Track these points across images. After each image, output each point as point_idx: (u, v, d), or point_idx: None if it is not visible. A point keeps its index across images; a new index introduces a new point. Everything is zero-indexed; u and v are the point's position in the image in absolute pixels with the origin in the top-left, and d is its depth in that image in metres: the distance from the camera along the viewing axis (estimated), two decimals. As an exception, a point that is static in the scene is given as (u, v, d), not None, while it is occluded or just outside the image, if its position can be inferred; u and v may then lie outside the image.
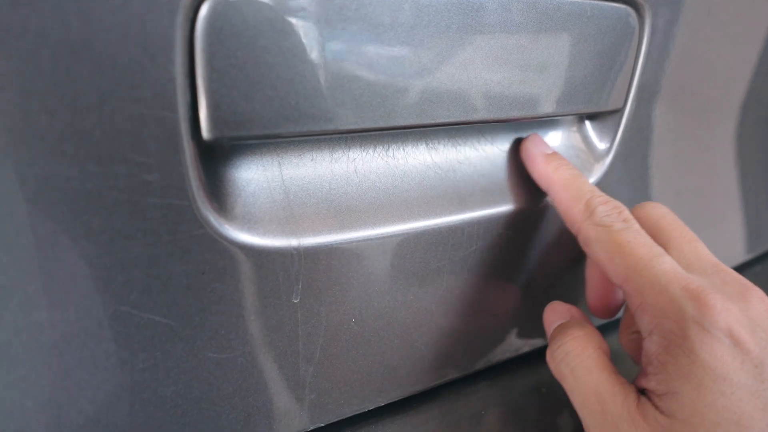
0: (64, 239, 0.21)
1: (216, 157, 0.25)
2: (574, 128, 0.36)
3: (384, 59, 0.25)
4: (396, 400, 0.33)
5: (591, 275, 0.34)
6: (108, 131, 0.20)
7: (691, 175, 0.45)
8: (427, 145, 0.31)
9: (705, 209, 0.48)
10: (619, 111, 0.35)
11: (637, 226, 0.29)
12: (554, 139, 0.35)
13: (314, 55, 0.23)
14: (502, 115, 0.30)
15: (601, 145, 0.36)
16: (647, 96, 0.36)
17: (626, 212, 0.30)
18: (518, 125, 0.34)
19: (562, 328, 0.31)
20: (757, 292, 0.27)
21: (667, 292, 0.26)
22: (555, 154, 0.32)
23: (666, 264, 0.27)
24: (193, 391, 0.26)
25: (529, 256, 0.35)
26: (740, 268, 0.56)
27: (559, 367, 0.30)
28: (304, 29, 0.22)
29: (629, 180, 0.39)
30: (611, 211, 0.29)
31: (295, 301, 0.27)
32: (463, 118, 0.29)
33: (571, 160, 0.36)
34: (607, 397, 0.27)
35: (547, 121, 0.35)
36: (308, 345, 0.28)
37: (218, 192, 0.25)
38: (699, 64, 0.39)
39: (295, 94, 0.23)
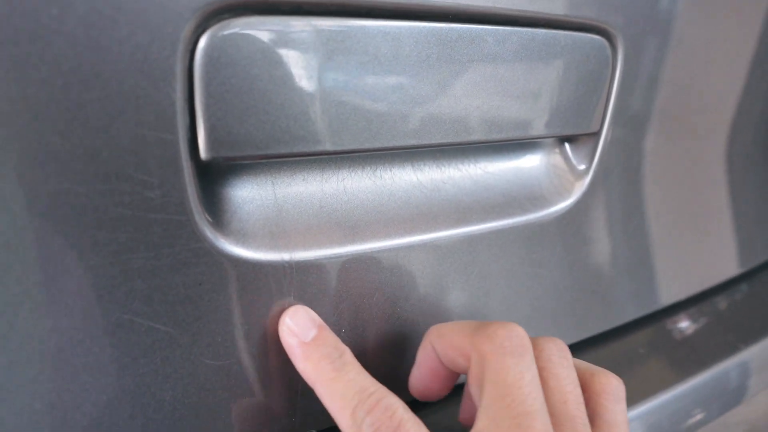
0: (73, 251, 0.23)
1: (213, 175, 0.27)
2: (555, 150, 0.38)
3: (369, 86, 0.27)
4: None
5: (423, 360, 0.31)
6: (114, 151, 0.22)
7: (669, 194, 0.47)
8: (413, 165, 0.33)
9: (683, 227, 0.50)
10: (596, 134, 0.37)
11: (413, 429, 0.25)
12: (535, 159, 0.37)
13: (303, 82, 0.25)
14: (484, 138, 0.32)
15: (580, 165, 0.38)
16: (623, 119, 0.39)
17: (398, 414, 0.26)
18: (500, 146, 0.36)
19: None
20: None
21: None
22: (316, 339, 0.28)
23: None
24: (191, 396, 0.27)
25: (512, 273, 0.37)
26: (723, 286, 0.57)
27: None
28: (294, 59, 0.24)
29: (608, 199, 0.41)
30: (381, 419, 0.25)
31: (287, 312, 0.29)
32: (447, 140, 0.31)
33: (552, 180, 0.38)
34: None
35: (529, 143, 0.37)
36: (300, 354, 0.30)
37: (215, 208, 0.26)
38: (672, 88, 0.41)
39: (285, 118, 0.25)
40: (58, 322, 0.24)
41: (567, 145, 0.38)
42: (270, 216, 0.28)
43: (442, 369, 0.30)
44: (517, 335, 0.27)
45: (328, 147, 0.27)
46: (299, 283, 0.29)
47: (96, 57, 0.21)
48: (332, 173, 0.30)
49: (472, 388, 0.27)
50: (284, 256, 0.28)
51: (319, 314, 0.30)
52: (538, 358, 0.28)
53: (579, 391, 0.28)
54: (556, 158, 0.38)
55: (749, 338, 0.49)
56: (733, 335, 0.49)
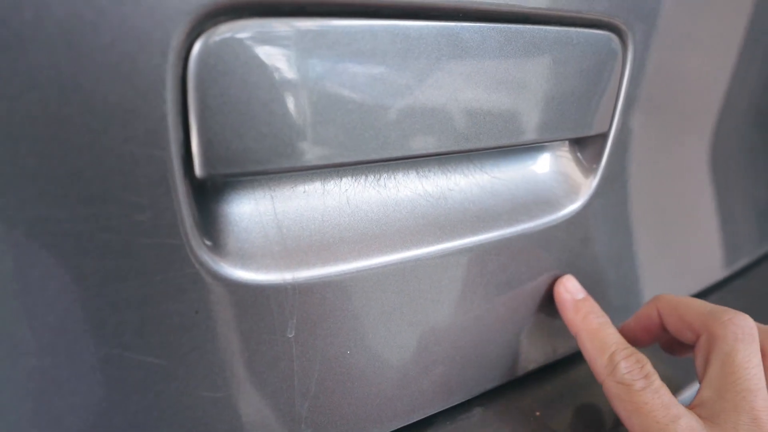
0: (54, 282, 0.21)
1: (208, 193, 0.24)
2: (562, 152, 0.36)
3: (375, 92, 0.25)
4: (392, 430, 0.33)
5: (642, 318, 0.36)
6: (98, 172, 0.20)
7: (677, 193, 0.45)
8: (417, 173, 0.31)
9: (691, 226, 0.49)
10: (605, 134, 0.36)
11: (657, 383, 0.29)
12: (542, 163, 0.36)
13: (306, 90, 0.23)
14: (492, 143, 0.30)
15: (588, 167, 0.37)
16: (631, 117, 0.37)
17: (648, 367, 0.30)
18: (507, 151, 0.34)
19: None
20: None
21: None
22: (586, 300, 0.34)
23: (681, 430, 0.27)
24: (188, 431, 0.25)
25: (523, 281, 0.35)
26: (728, 281, 0.56)
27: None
28: (296, 66, 0.22)
29: (616, 201, 0.39)
30: (633, 366, 0.30)
31: (290, 336, 0.27)
32: (454, 148, 0.29)
33: (558, 185, 0.36)
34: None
35: (535, 146, 0.35)
36: (304, 379, 0.28)
37: (211, 229, 0.24)
38: (679, 84, 0.40)
39: (288, 129, 0.23)
40: (41, 360, 0.21)
41: (575, 146, 0.37)
42: (270, 234, 0.26)
43: (658, 330, 0.35)
44: (748, 325, 0.30)
45: (333, 159, 0.25)
46: (302, 304, 0.26)
47: (76, 67, 0.19)
48: (334, 184, 0.28)
49: (698, 360, 0.32)
50: (286, 276, 0.26)
51: (325, 335, 0.28)
52: (764, 346, 0.30)
53: None
54: (564, 160, 0.36)
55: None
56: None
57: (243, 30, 0.21)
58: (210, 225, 0.24)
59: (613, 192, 0.39)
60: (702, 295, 0.53)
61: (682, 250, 0.49)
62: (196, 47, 0.20)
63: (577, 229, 0.37)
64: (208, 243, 0.24)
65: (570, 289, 0.35)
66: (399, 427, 0.33)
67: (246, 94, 0.21)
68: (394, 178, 0.30)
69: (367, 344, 0.29)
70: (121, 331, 0.22)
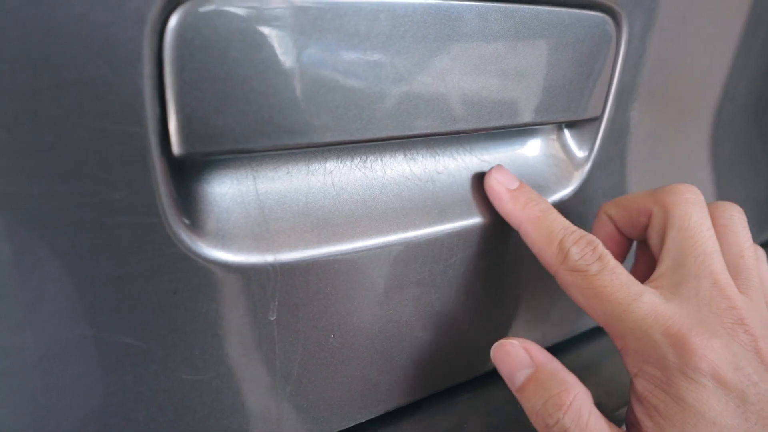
0: (26, 261, 0.20)
1: (187, 172, 0.24)
2: (553, 136, 0.36)
3: (361, 70, 0.24)
4: (377, 415, 0.33)
5: (597, 231, 0.34)
6: (71, 148, 0.19)
7: (672, 181, 0.45)
8: (405, 155, 0.30)
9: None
10: (597, 118, 0.35)
11: (612, 262, 0.28)
12: (533, 147, 0.35)
13: (289, 67, 0.22)
14: (481, 125, 0.29)
15: (580, 152, 0.36)
16: (625, 103, 0.36)
17: (600, 248, 0.28)
18: (497, 134, 0.33)
19: (538, 382, 0.28)
20: (744, 325, 0.26)
21: (648, 337, 0.26)
22: (521, 188, 0.31)
23: (644, 306, 0.26)
24: (167, 415, 0.25)
25: (511, 266, 0.35)
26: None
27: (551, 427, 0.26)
28: (278, 40, 0.21)
29: (609, 186, 0.39)
30: (585, 250, 0.28)
31: (272, 319, 0.26)
32: (442, 129, 0.28)
33: (551, 169, 0.35)
34: None
35: (526, 130, 0.35)
36: (286, 363, 0.27)
37: (190, 208, 0.24)
38: (675, 70, 0.39)
39: (269, 107, 0.22)
40: (12, 340, 0.21)
41: (567, 131, 0.36)
42: (252, 214, 0.25)
43: (618, 236, 0.33)
44: (696, 191, 0.30)
45: (317, 139, 0.24)
46: (285, 286, 0.26)
47: (47, 39, 0.18)
48: (319, 165, 0.27)
49: (652, 239, 0.31)
50: (268, 258, 0.25)
51: (307, 318, 0.27)
52: (719, 216, 0.30)
53: (756, 250, 0.30)
54: (555, 145, 0.36)
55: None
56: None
57: (222, 2, 0.20)
58: (189, 204, 0.24)
59: (605, 178, 0.38)
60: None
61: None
62: (173, 19, 0.20)
63: (569, 214, 0.36)
64: (187, 222, 0.23)
65: (502, 180, 0.31)
66: (383, 412, 0.33)
67: (225, 70, 0.21)
68: (381, 160, 0.29)
69: (351, 328, 0.29)
70: (96, 311, 0.22)
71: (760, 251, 0.31)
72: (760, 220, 0.59)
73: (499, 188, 0.31)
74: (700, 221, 0.29)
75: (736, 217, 0.31)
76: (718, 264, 0.27)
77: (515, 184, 0.31)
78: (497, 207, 0.32)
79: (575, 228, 0.29)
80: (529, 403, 0.27)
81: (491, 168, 0.32)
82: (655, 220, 0.30)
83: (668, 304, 0.26)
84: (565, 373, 0.28)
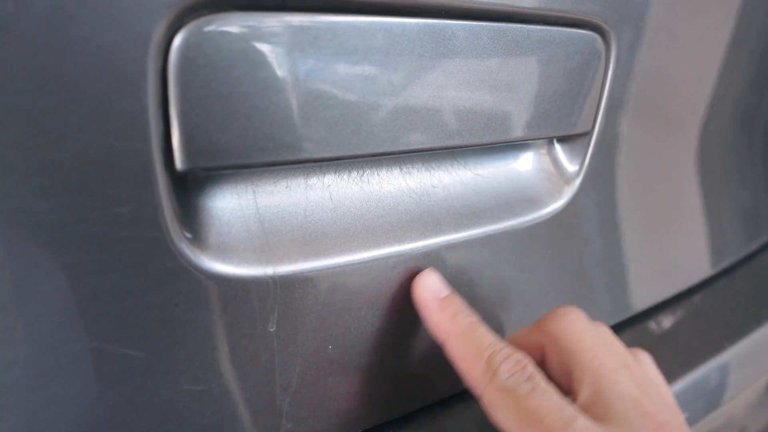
0: (33, 274, 0.21)
1: (189, 186, 0.24)
2: (544, 151, 0.37)
3: (358, 88, 0.25)
4: (373, 426, 0.33)
5: None
6: (78, 164, 0.20)
7: (662, 192, 0.46)
8: (401, 169, 0.31)
9: (676, 225, 0.49)
10: (588, 133, 0.36)
11: (543, 383, 0.26)
12: (525, 161, 0.36)
13: (289, 84, 0.23)
14: (475, 141, 0.30)
15: (571, 166, 0.37)
16: (615, 117, 0.37)
17: (530, 366, 0.27)
18: (491, 148, 0.34)
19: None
20: None
21: None
22: (450, 297, 0.30)
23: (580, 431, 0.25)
24: (168, 425, 0.25)
25: (505, 277, 0.35)
26: (713, 280, 0.57)
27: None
28: (278, 59, 0.22)
29: (599, 200, 0.40)
30: (514, 368, 0.27)
31: (272, 330, 0.27)
32: (436, 144, 0.29)
33: (542, 183, 0.36)
34: None
35: (517, 144, 0.36)
36: (285, 374, 0.28)
37: (192, 222, 0.24)
38: (663, 84, 0.40)
39: (269, 123, 0.23)
40: (19, 352, 0.21)
41: (558, 145, 0.37)
42: (252, 228, 0.26)
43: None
44: (576, 309, 0.30)
45: (316, 154, 0.25)
46: (284, 298, 0.27)
47: (56, 58, 0.19)
48: (317, 179, 0.28)
49: (555, 372, 0.30)
50: (268, 270, 0.26)
51: (305, 330, 0.28)
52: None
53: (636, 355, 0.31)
54: (547, 159, 0.37)
55: (733, 336, 0.49)
56: (719, 333, 0.49)
57: (224, 23, 0.21)
58: (191, 218, 0.24)
59: (597, 191, 0.39)
60: (687, 294, 0.54)
61: (666, 250, 0.50)
62: (177, 39, 0.20)
63: (561, 228, 0.37)
64: (189, 236, 0.24)
65: (431, 287, 0.30)
66: (381, 423, 0.33)
67: (227, 88, 0.22)
68: (378, 174, 0.30)
69: (349, 339, 0.29)
70: (100, 323, 0.22)
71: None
72: (746, 231, 0.60)
73: (426, 295, 0.30)
74: (594, 336, 0.29)
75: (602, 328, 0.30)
76: (628, 381, 0.27)
77: (445, 292, 0.30)
78: (423, 316, 0.30)
79: (505, 344, 0.28)
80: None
81: (421, 272, 0.30)
82: (550, 353, 0.30)
83: (602, 428, 0.25)
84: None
